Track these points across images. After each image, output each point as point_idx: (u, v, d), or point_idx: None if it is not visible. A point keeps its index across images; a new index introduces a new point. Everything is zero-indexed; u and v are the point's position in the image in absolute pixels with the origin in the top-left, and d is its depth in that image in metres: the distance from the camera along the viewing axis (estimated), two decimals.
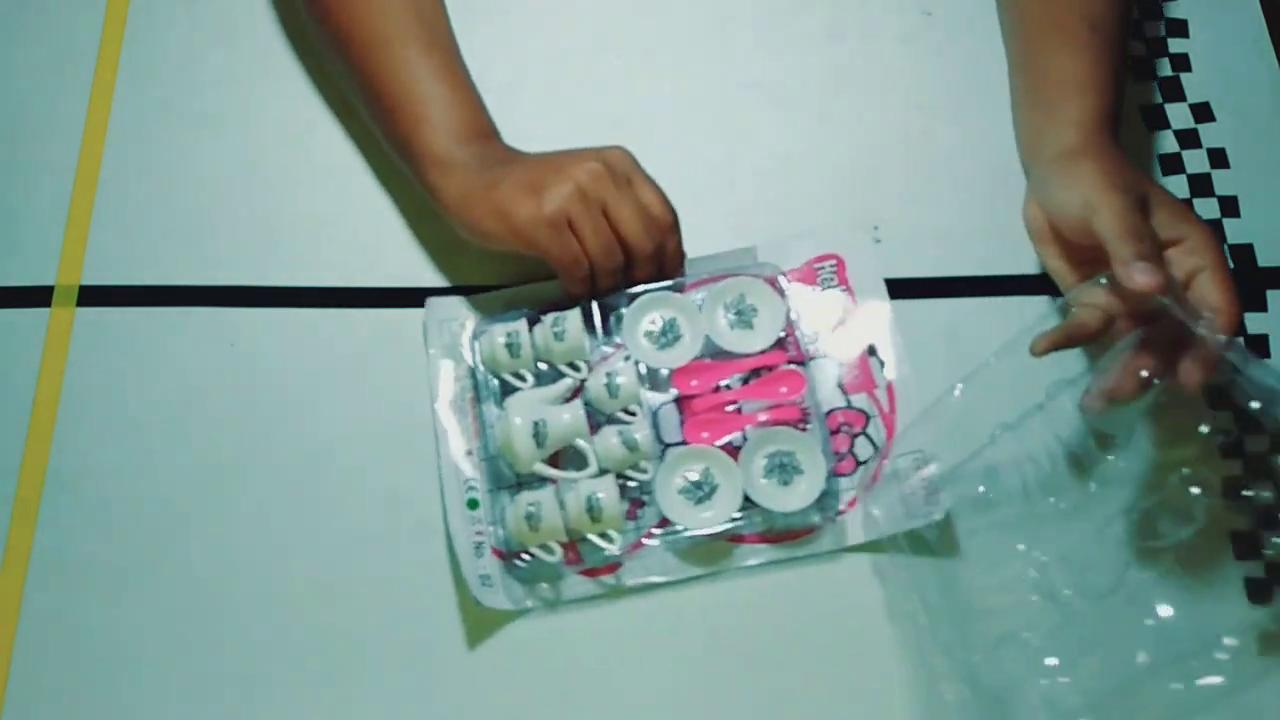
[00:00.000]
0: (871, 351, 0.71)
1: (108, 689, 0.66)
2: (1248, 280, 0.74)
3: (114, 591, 0.68)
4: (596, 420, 0.68)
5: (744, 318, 0.70)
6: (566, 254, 0.67)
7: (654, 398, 0.69)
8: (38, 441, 0.72)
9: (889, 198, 0.77)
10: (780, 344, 0.70)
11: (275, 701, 0.66)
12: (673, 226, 0.70)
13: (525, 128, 0.79)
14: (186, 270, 0.76)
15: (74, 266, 0.77)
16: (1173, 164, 0.78)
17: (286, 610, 0.68)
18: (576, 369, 0.69)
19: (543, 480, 0.67)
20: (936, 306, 0.74)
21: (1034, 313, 0.73)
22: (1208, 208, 0.76)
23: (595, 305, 0.70)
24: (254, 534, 0.69)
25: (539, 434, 0.66)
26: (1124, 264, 0.58)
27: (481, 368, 0.70)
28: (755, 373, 0.70)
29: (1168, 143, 0.79)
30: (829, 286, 0.72)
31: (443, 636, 0.67)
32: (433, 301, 0.73)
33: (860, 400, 0.70)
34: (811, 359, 0.71)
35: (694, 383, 0.70)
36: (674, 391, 0.70)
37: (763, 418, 0.68)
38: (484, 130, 0.73)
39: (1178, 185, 0.77)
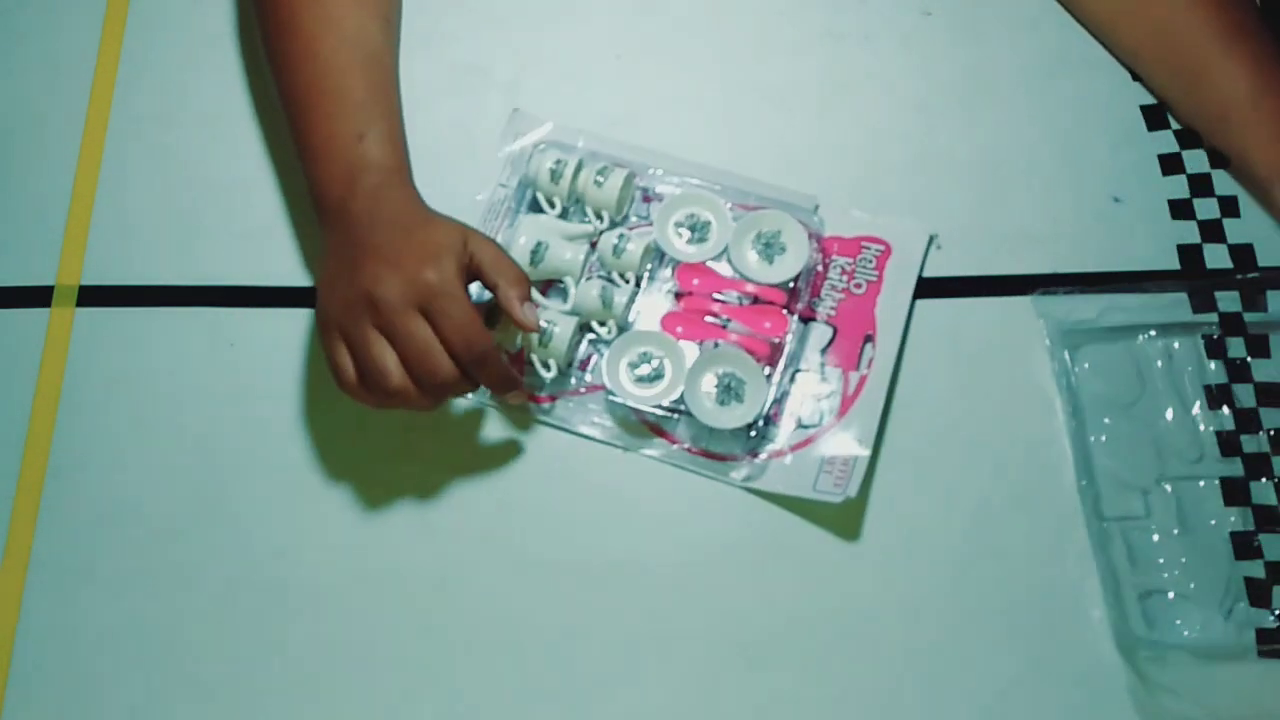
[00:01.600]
0: (869, 338, 0.71)
1: (108, 689, 0.66)
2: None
3: (114, 591, 0.68)
4: (597, 273, 0.73)
5: (769, 251, 0.72)
6: (331, 360, 0.64)
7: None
8: (38, 441, 0.72)
9: (889, 198, 0.77)
10: (790, 290, 0.72)
11: (275, 701, 0.66)
12: (483, 355, 0.63)
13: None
14: (187, 270, 0.77)
15: (74, 266, 0.77)
16: (1173, 164, 0.78)
17: (286, 610, 0.68)
18: (600, 219, 0.73)
19: None
20: (936, 306, 0.74)
21: (1031, 312, 0.73)
22: (1208, 208, 0.76)
23: (645, 176, 0.76)
24: (253, 534, 0.70)
25: (535, 255, 0.71)
26: None
27: (523, 180, 0.75)
28: (755, 301, 0.72)
29: (1168, 143, 0.79)
30: (865, 267, 0.73)
31: (444, 633, 0.67)
32: (515, 114, 0.79)
33: (833, 374, 0.71)
34: (810, 320, 0.72)
35: (695, 281, 0.72)
36: (673, 281, 0.73)
37: (734, 338, 0.71)
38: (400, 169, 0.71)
39: (1177, 185, 0.77)
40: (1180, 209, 0.77)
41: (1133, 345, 0.73)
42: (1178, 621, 0.66)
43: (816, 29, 0.83)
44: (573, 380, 0.71)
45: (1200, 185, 0.77)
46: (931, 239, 0.74)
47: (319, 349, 0.73)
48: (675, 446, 0.70)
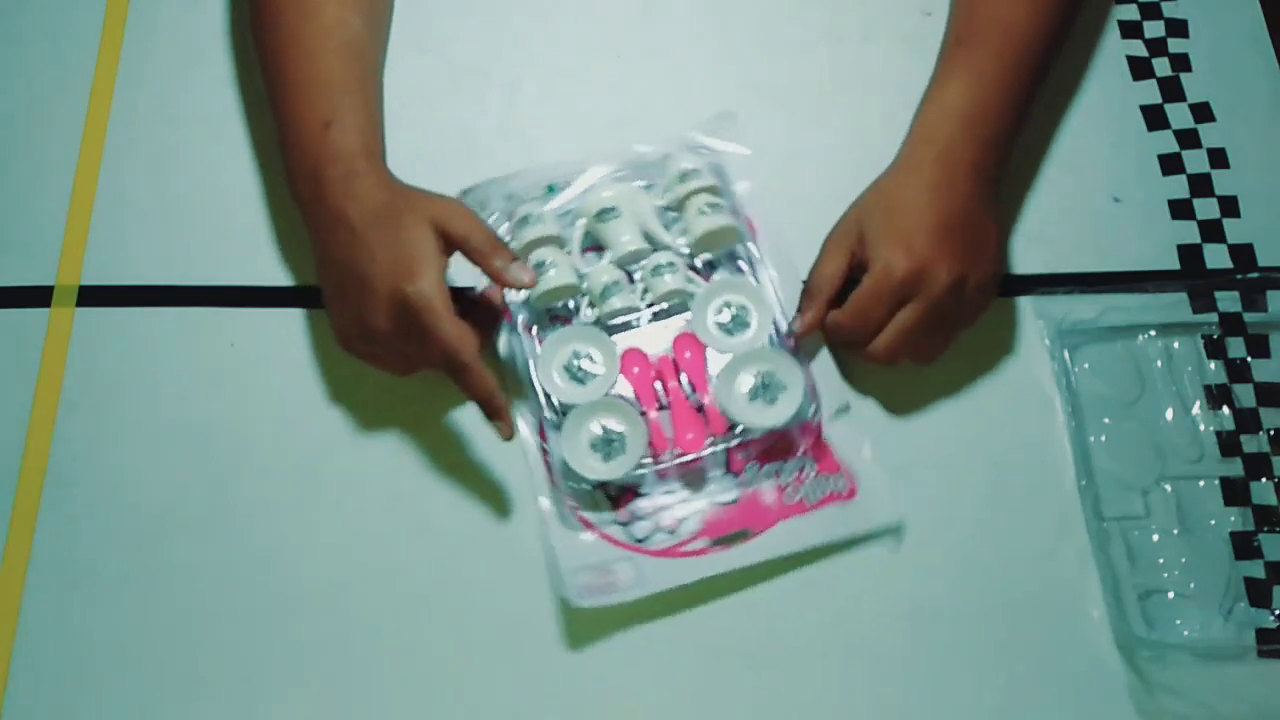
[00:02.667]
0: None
1: (107, 689, 0.66)
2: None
3: (114, 592, 0.68)
4: (629, 271, 0.73)
5: (767, 391, 0.69)
6: (379, 364, 0.70)
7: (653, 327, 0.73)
8: (38, 442, 0.72)
9: None
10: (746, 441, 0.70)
11: (275, 701, 0.66)
12: (463, 369, 0.63)
13: (526, 128, 0.80)
14: (186, 270, 0.76)
15: (74, 266, 0.77)
16: (1173, 164, 0.78)
17: (286, 610, 0.68)
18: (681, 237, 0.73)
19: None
20: None
21: (1030, 312, 0.73)
22: (1208, 208, 0.76)
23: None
24: (254, 534, 0.69)
25: (604, 214, 0.72)
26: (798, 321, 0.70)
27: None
28: (700, 409, 0.70)
29: (1167, 143, 0.79)
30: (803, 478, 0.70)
31: (444, 634, 0.67)
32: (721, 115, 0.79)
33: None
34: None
35: (687, 354, 0.71)
36: (669, 338, 0.72)
37: (654, 417, 0.70)
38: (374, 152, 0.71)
39: (1178, 185, 0.77)
40: (1180, 209, 0.77)
41: (1132, 345, 0.73)
42: (1177, 621, 0.66)
43: (817, 29, 0.83)
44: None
45: (1200, 185, 0.77)
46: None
47: (319, 349, 0.74)
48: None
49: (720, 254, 0.74)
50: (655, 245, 0.73)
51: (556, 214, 0.74)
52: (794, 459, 0.69)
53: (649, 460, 0.68)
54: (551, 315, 0.73)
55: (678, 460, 0.69)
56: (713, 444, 0.69)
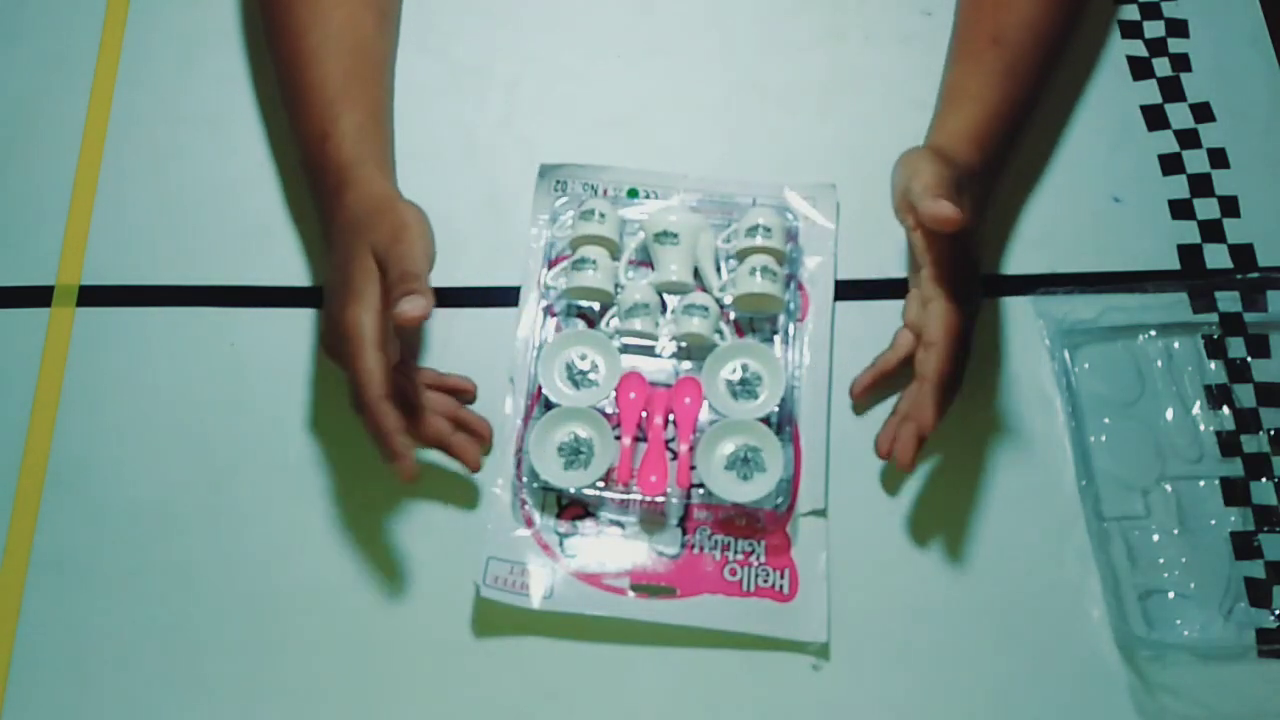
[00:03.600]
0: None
1: (107, 689, 0.66)
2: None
3: (114, 591, 0.68)
4: (665, 296, 0.73)
5: (746, 467, 0.68)
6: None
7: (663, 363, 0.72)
8: (38, 441, 0.72)
9: (888, 197, 0.76)
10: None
11: (274, 701, 0.66)
12: (362, 406, 0.62)
13: (526, 127, 0.80)
14: (186, 270, 0.76)
15: (74, 266, 0.77)
16: (1173, 164, 0.78)
17: (286, 610, 0.68)
18: (729, 288, 0.72)
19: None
20: None
21: (1030, 312, 0.73)
22: (1208, 208, 0.76)
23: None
24: (253, 534, 0.69)
25: (663, 236, 0.72)
26: (926, 199, 0.62)
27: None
28: (673, 453, 0.69)
29: (1167, 143, 0.79)
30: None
31: (444, 633, 0.67)
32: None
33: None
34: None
35: (687, 400, 0.70)
36: (674, 381, 0.71)
37: (626, 443, 0.69)
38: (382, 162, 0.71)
39: (1178, 185, 0.77)
40: (1180, 209, 0.77)
41: (1133, 345, 0.73)
42: (1178, 621, 0.66)
43: (818, 29, 0.83)
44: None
45: (1200, 185, 0.77)
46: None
47: (319, 349, 0.74)
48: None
49: (761, 317, 0.73)
50: (701, 284, 0.73)
51: (622, 219, 0.74)
52: (746, 540, 0.68)
53: (609, 484, 0.68)
54: (578, 312, 0.73)
55: (633, 496, 0.68)
56: (675, 495, 0.68)
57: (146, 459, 0.71)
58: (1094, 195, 0.77)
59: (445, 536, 0.69)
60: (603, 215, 0.72)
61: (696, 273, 0.73)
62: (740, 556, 0.67)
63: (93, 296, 0.76)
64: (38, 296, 0.76)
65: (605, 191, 0.76)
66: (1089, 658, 0.65)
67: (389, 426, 0.61)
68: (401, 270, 0.61)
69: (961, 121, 0.70)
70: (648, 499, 0.68)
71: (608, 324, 0.72)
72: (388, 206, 0.66)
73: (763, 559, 0.67)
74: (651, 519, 0.68)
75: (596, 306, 0.73)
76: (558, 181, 0.76)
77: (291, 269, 0.76)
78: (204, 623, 0.67)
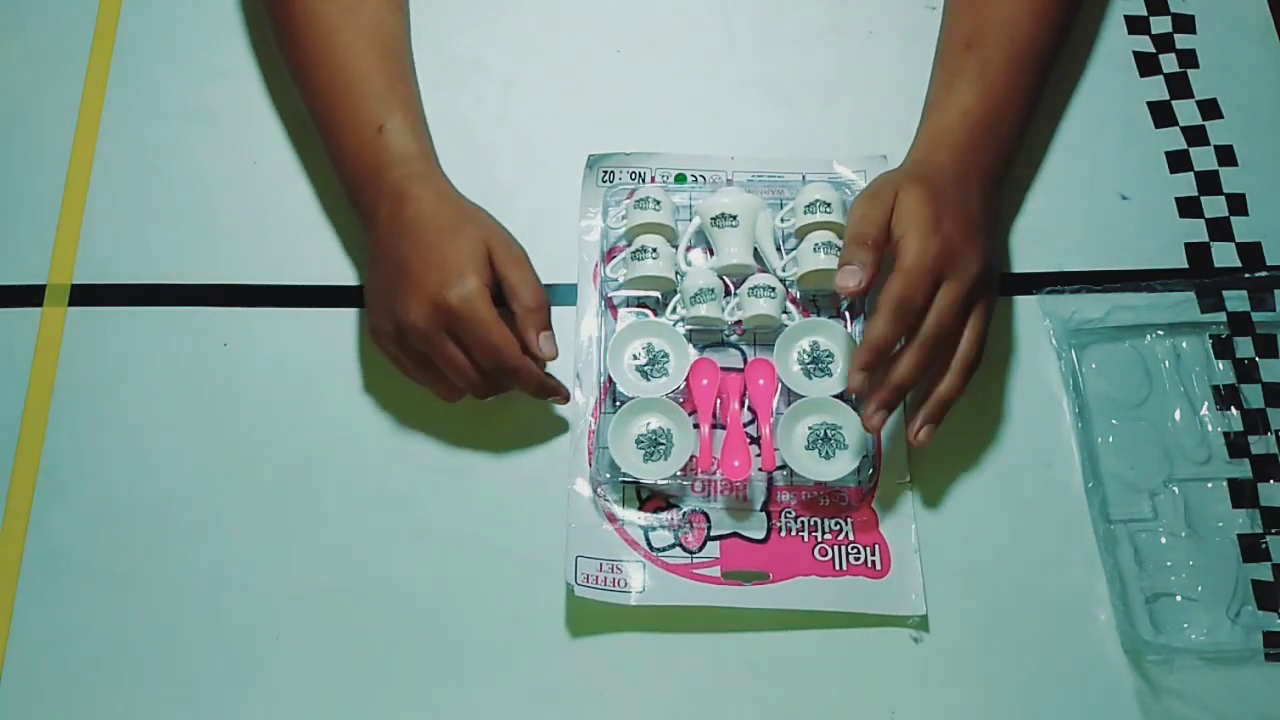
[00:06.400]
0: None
1: (102, 688, 0.66)
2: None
3: (107, 591, 0.68)
4: (731, 282, 0.72)
5: (827, 445, 0.68)
6: (394, 366, 0.68)
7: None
8: (30, 442, 0.72)
9: None
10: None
11: (271, 701, 0.65)
12: (513, 371, 0.65)
13: (526, 126, 0.79)
14: (179, 269, 0.76)
15: (66, 265, 0.76)
16: (1180, 161, 0.77)
17: (282, 610, 0.67)
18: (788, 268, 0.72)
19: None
20: None
21: (1037, 311, 0.73)
22: (1215, 205, 0.76)
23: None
24: (248, 534, 0.69)
25: (720, 219, 0.71)
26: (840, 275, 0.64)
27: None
28: (754, 441, 0.69)
29: (1175, 139, 0.78)
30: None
31: (444, 631, 0.66)
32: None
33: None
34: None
35: (761, 382, 0.70)
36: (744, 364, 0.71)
37: (705, 432, 0.69)
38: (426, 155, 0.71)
39: (1185, 183, 0.76)
40: (1188, 207, 0.76)
41: (1140, 345, 0.72)
42: (1185, 625, 0.65)
43: (820, 23, 0.82)
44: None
45: (1208, 183, 0.76)
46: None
47: (314, 348, 0.73)
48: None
49: (826, 295, 0.72)
50: (762, 265, 0.72)
51: (676, 205, 0.73)
52: (833, 519, 0.68)
53: (689, 473, 0.67)
54: (639, 303, 0.72)
55: (717, 480, 0.68)
56: (758, 479, 0.68)
57: (139, 459, 0.71)
58: (1101, 193, 0.77)
59: (444, 535, 0.68)
60: (658, 202, 0.72)
61: (756, 254, 0.72)
62: (829, 536, 0.67)
63: (85, 296, 0.75)
64: (30, 296, 0.75)
65: (653, 178, 0.76)
66: (1096, 661, 0.65)
67: (539, 375, 0.66)
68: (539, 300, 0.66)
69: (938, 128, 0.70)
70: (735, 484, 0.67)
71: (672, 311, 0.71)
72: (480, 213, 0.68)
73: (852, 536, 0.67)
74: (735, 505, 0.68)
75: (659, 295, 0.72)
76: (605, 172, 0.76)
77: (284, 268, 0.76)
78: (198, 623, 0.67)
